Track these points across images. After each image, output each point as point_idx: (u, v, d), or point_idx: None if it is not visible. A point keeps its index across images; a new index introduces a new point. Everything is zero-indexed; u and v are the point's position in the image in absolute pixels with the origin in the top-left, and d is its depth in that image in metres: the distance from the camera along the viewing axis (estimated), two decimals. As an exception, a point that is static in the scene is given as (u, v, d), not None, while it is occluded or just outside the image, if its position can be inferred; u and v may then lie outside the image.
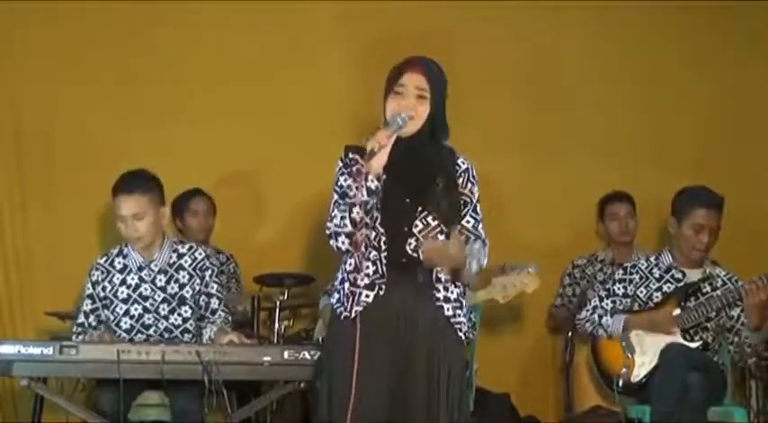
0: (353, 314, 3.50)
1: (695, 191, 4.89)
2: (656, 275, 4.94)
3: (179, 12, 5.74)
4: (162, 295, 4.43)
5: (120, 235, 4.42)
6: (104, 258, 4.49)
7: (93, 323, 4.42)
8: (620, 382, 4.78)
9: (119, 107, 5.67)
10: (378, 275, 3.53)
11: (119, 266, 4.45)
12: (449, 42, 6.03)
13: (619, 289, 4.97)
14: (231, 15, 5.79)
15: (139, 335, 4.41)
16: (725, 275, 4.93)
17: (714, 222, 4.83)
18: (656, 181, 5.95)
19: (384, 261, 3.53)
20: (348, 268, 3.55)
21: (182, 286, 4.45)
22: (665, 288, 4.90)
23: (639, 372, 4.79)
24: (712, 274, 4.92)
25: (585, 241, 5.99)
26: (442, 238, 3.55)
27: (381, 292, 3.52)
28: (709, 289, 4.87)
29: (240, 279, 5.67)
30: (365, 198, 3.46)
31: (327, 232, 3.56)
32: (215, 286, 4.49)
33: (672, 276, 4.92)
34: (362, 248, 3.50)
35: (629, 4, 6.16)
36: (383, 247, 3.53)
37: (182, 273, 4.46)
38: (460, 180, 3.66)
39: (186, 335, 4.43)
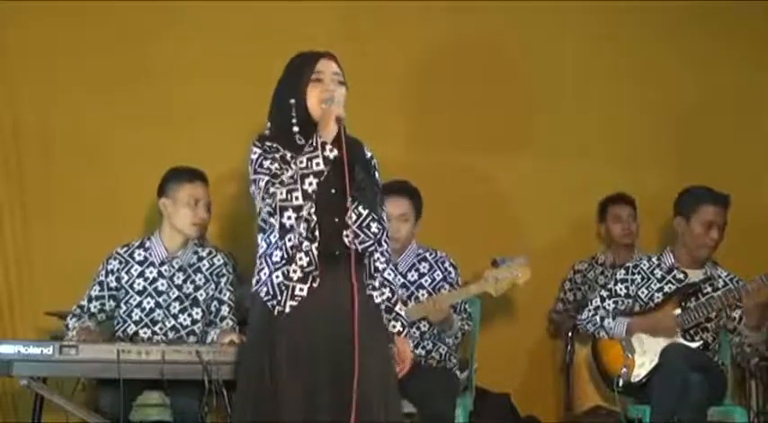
0: (288, 309, 3.48)
1: (701, 189, 4.92)
2: (658, 276, 4.94)
3: (178, 12, 5.73)
4: (177, 293, 4.48)
5: (181, 221, 4.49)
6: (124, 249, 4.54)
7: (94, 310, 4.46)
8: (620, 382, 4.79)
9: (118, 107, 5.66)
10: (312, 267, 3.50)
11: (139, 258, 4.50)
12: (449, 42, 6.04)
13: (621, 289, 4.97)
14: (230, 16, 5.78)
15: (145, 329, 4.43)
16: (726, 276, 4.93)
17: (722, 219, 4.85)
18: (656, 182, 5.96)
19: (316, 252, 3.50)
20: (276, 260, 3.52)
21: (197, 288, 4.50)
22: (666, 289, 4.91)
23: (639, 372, 4.79)
24: (713, 275, 4.92)
25: (587, 242, 5.99)
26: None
27: (315, 285, 3.49)
28: (710, 290, 4.87)
29: (242, 277, 5.64)
30: (322, 167, 3.45)
31: (267, 210, 3.54)
32: (228, 294, 4.55)
33: (674, 277, 4.92)
34: (303, 228, 3.48)
35: (629, 4, 6.16)
36: (317, 238, 3.50)
37: (199, 275, 4.52)
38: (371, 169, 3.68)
39: (191, 337, 4.45)
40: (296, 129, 3.60)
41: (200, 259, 4.56)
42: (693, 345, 4.81)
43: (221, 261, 4.58)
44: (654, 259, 4.99)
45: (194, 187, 4.54)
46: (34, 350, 3.91)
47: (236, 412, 3.58)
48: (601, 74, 6.21)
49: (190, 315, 4.47)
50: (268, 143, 3.61)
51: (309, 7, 5.82)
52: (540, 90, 6.14)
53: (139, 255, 4.52)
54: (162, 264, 4.50)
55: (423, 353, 4.82)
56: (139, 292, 4.46)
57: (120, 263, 4.50)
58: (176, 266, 4.50)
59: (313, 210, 3.50)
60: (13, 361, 3.89)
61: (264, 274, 3.57)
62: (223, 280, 4.55)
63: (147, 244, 4.54)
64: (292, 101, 3.61)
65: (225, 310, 4.51)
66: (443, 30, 6.02)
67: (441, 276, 4.88)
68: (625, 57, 6.21)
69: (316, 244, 3.51)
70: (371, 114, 5.43)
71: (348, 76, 3.71)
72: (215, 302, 4.51)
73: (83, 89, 5.63)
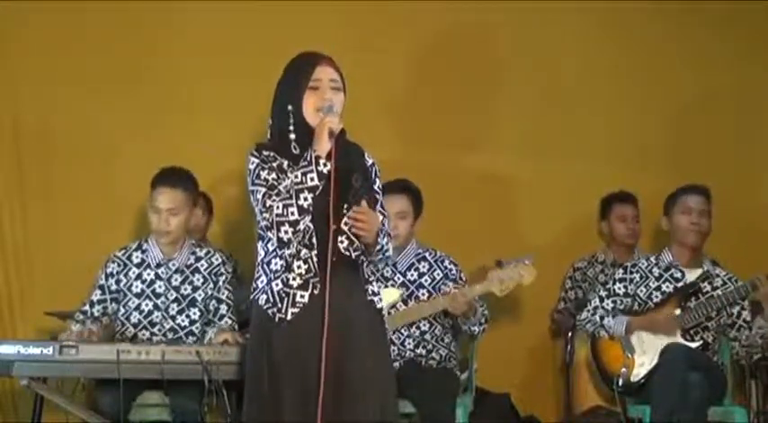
0: (290, 316, 3.50)
1: (679, 187, 4.97)
2: (656, 274, 4.95)
3: (179, 11, 5.74)
4: (174, 295, 4.48)
5: (150, 226, 4.49)
6: (122, 251, 4.54)
7: (97, 314, 4.47)
8: (620, 382, 4.79)
9: (118, 106, 5.66)
10: (311, 274, 3.52)
11: (136, 260, 4.50)
12: (449, 43, 6.04)
13: (619, 288, 4.97)
14: (231, 14, 5.78)
15: (144, 331, 4.43)
16: (724, 275, 4.94)
17: (701, 205, 4.90)
18: (656, 181, 5.95)
19: (315, 259, 3.52)
20: (275, 268, 3.54)
21: (195, 289, 4.50)
22: (663, 287, 4.91)
23: (639, 371, 4.79)
24: (711, 273, 4.93)
25: (587, 242, 5.99)
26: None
27: (316, 291, 3.51)
28: (709, 288, 4.88)
29: (242, 278, 5.65)
30: (316, 182, 3.47)
31: (264, 224, 3.54)
32: (226, 293, 4.55)
33: (671, 276, 4.92)
34: (300, 238, 3.50)
35: (629, 4, 6.16)
36: (315, 245, 3.53)
37: (197, 275, 4.52)
38: (371, 176, 3.68)
39: (190, 337, 4.46)
40: (292, 136, 3.59)
41: (198, 259, 4.55)
42: (693, 345, 4.81)
43: (219, 260, 4.58)
44: (652, 258, 5.01)
45: (156, 195, 4.48)
46: (34, 350, 3.91)
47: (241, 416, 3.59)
48: (601, 74, 6.21)
49: (188, 316, 4.47)
50: (265, 152, 3.60)
51: (309, 6, 5.82)
52: (539, 90, 6.14)
53: (137, 257, 4.52)
54: (158, 266, 4.50)
55: (423, 353, 4.82)
56: (137, 295, 4.47)
57: (119, 265, 4.50)
58: (173, 268, 4.50)
59: (309, 219, 3.51)
60: (14, 361, 3.91)
61: (262, 281, 3.59)
62: (221, 279, 4.54)
63: (145, 246, 4.54)
64: (290, 107, 3.59)
65: (224, 308, 4.51)
66: (443, 30, 6.02)
67: (441, 275, 4.88)
68: (625, 57, 6.21)
69: (315, 251, 3.52)
70: (371, 114, 5.44)
71: (348, 76, 3.69)
72: (213, 301, 4.51)
73: (83, 89, 5.63)
